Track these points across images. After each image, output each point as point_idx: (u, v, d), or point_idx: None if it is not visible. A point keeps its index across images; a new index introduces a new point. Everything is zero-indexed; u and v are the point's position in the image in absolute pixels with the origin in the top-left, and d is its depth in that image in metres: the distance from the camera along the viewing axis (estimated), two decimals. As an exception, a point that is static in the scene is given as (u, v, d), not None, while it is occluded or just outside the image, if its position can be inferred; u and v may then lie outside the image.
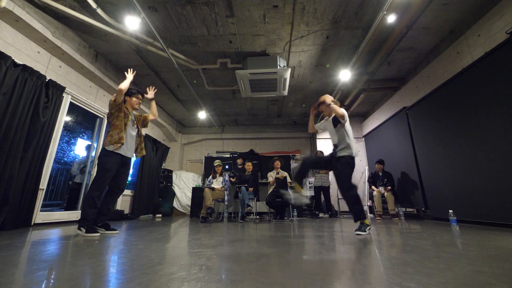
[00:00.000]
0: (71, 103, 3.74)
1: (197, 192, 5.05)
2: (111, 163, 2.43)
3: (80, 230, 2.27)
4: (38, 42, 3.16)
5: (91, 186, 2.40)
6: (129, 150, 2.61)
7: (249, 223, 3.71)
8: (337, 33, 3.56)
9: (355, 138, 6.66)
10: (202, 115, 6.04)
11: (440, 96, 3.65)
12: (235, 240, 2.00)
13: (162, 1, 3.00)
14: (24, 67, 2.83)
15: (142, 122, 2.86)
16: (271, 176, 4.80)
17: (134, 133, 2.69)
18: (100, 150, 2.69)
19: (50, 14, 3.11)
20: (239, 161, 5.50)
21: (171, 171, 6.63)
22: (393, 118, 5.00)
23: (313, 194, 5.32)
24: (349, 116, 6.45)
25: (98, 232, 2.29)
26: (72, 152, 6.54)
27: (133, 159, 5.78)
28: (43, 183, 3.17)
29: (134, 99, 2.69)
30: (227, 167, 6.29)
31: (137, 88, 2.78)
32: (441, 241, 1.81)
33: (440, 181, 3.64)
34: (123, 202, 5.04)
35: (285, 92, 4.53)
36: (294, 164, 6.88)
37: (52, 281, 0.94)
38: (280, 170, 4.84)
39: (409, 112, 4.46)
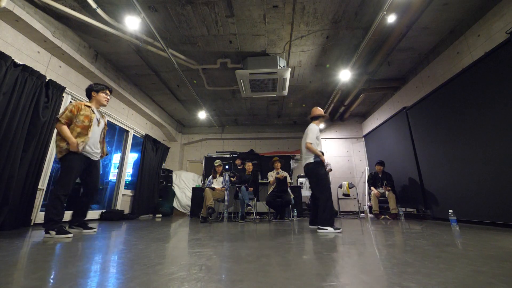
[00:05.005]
0: (71, 103, 3.74)
1: (197, 192, 5.05)
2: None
3: (49, 233, 2.09)
4: (38, 42, 3.16)
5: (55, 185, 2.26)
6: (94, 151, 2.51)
7: (249, 223, 3.71)
8: (337, 33, 3.56)
9: (354, 138, 6.79)
10: (202, 115, 6.04)
11: (440, 96, 3.65)
12: (235, 240, 1.99)
13: (162, 1, 3.00)
14: (24, 67, 2.83)
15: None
16: (271, 176, 4.80)
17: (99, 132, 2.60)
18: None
19: (50, 14, 3.10)
20: (238, 161, 5.50)
21: (171, 171, 6.63)
22: (393, 118, 5.00)
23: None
24: (349, 116, 6.55)
25: (70, 233, 2.14)
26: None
27: (133, 159, 5.79)
28: (43, 183, 3.18)
29: (102, 94, 2.65)
30: (227, 167, 6.30)
31: (104, 84, 2.74)
32: (441, 241, 1.81)
33: (440, 181, 3.64)
34: (123, 202, 5.03)
35: (285, 92, 4.54)
36: (294, 164, 6.88)
37: (52, 281, 0.94)
38: (280, 170, 4.84)
39: (409, 112, 4.46)
